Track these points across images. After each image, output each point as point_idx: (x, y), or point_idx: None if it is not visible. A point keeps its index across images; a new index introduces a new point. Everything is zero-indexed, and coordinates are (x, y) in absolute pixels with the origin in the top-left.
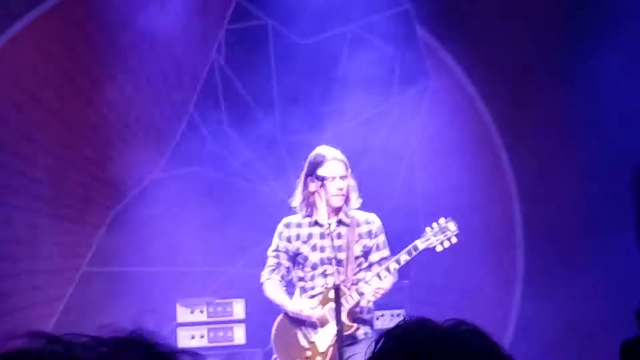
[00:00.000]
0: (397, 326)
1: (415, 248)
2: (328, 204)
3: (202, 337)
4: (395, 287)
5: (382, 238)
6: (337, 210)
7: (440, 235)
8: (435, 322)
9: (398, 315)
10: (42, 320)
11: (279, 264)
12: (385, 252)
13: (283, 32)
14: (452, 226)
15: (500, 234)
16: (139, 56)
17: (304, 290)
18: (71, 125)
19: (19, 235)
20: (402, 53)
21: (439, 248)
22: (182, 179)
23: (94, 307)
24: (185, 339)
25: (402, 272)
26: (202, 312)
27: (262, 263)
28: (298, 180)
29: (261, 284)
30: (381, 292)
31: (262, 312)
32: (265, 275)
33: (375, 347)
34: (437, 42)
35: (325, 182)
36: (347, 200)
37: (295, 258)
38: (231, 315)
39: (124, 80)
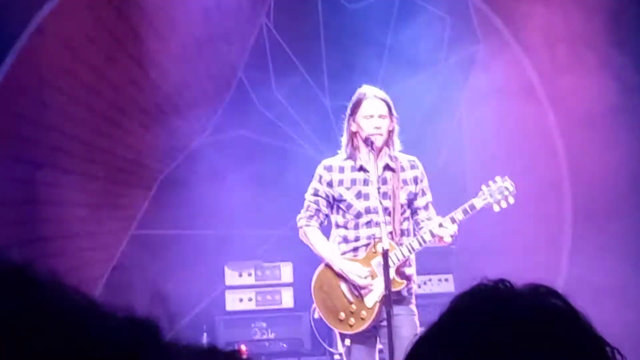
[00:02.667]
0: (476, 287)
1: (472, 207)
2: (367, 143)
3: (250, 300)
4: (442, 252)
5: (426, 182)
6: (378, 152)
7: (497, 194)
8: (514, 284)
9: (446, 280)
10: (91, 281)
11: (318, 210)
12: (430, 197)
13: None
14: (509, 185)
15: (548, 199)
16: (188, 21)
17: (346, 240)
18: (120, 89)
19: (69, 197)
20: (451, 16)
21: (496, 208)
22: (231, 142)
23: (142, 269)
24: (233, 302)
25: None
26: (250, 275)
27: None
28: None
29: (299, 228)
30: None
31: (309, 275)
32: (303, 220)
33: (451, 306)
34: (485, 4)
35: (362, 119)
36: (389, 143)
37: (337, 204)
38: (279, 278)
39: (174, 45)
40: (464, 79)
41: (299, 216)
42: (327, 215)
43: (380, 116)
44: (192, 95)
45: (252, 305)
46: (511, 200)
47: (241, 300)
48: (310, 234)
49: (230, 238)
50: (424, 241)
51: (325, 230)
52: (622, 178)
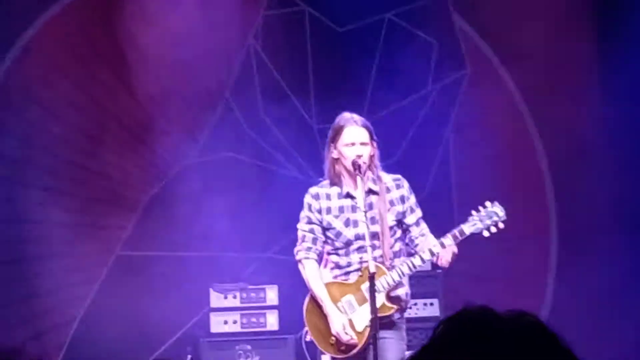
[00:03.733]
0: (460, 313)
1: (462, 232)
2: (348, 171)
3: (234, 322)
4: (428, 276)
5: (413, 199)
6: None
7: (487, 220)
8: (497, 312)
9: (431, 304)
10: (75, 301)
11: (315, 239)
12: (419, 212)
13: (320, 19)
14: (499, 211)
15: (533, 223)
16: (175, 41)
17: (338, 266)
18: (105, 108)
19: (52, 216)
20: (439, 41)
21: (485, 234)
22: (217, 164)
23: (126, 290)
24: (218, 324)
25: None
26: (235, 297)
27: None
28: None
29: (297, 260)
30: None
31: (295, 298)
32: (302, 253)
33: (434, 334)
34: (473, 30)
35: (344, 147)
36: (371, 167)
37: (325, 232)
38: (264, 301)
39: (160, 65)
40: (451, 104)
41: (296, 249)
42: (323, 243)
43: (361, 143)
44: (178, 115)
45: (237, 328)
46: (501, 225)
47: (226, 322)
48: (307, 269)
49: (215, 260)
50: (414, 266)
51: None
52: (608, 206)
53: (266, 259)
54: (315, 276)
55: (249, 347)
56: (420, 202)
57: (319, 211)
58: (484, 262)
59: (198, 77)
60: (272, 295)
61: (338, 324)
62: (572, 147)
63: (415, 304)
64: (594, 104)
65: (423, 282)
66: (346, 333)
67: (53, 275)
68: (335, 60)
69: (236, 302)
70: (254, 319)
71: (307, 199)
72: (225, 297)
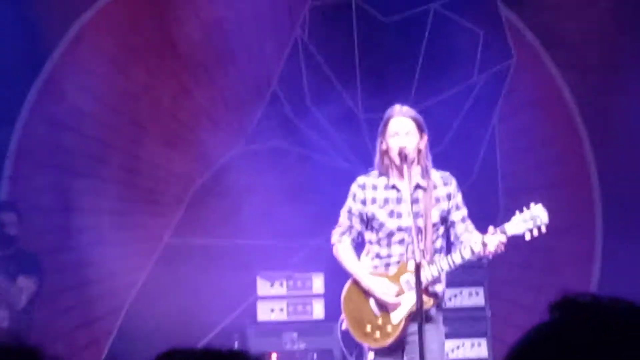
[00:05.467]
0: (563, 301)
1: (504, 232)
2: (394, 162)
3: (281, 310)
4: (473, 266)
5: (459, 197)
6: (409, 169)
7: (530, 222)
8: (596, 296)
9: (477, 293)
10: (124, 290)
11: (350, 227)
12: (465, 211)
13: (366, 9)
14: (542, 214)
15: (579, 212)
16: (223, 31)
17: (378, 256)
18: (158, 98)
19: (104, 205)
20: (485, 31)
21: (527, 236)
22: (264, 153)
23: (174, 278)
24: (264, 312)
25: None
26: (281, 285)
27: None
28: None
29: (332, 244)
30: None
31: (341, 286)
32: (335, 236)
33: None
34: (519, 19)
35: (390, 138)
36: (420, 161)
37: (370, 222)
38: (310, 289)
39: (209, 55)
40: (496, 93)
41: (333, 232)
42: (360, 232)
43: (406, 134)
44: (227, 105)
45: (283, 316)
46: (543, 229)
47: (272, 310)
48: (341, 250)
49: (262, 248)
50: (454, 263)
51: (359, 246)
52: None
53: (313, 247)
54: (349, 254)
55: (295, 335)
56: (466, 192)
57: (363, 202)
58: (529, 251)
59: (246, 67)
60: (318, 283)
61: (380, 285)
62: (618, 134)
63: (461, 293)
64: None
65: (469, 271)
66: (390, 289)
67: (103, 263)
68: (381, 50)
69: (283, 290)
70: (300, 307)
71: (354, 187)
72: (272, 285)
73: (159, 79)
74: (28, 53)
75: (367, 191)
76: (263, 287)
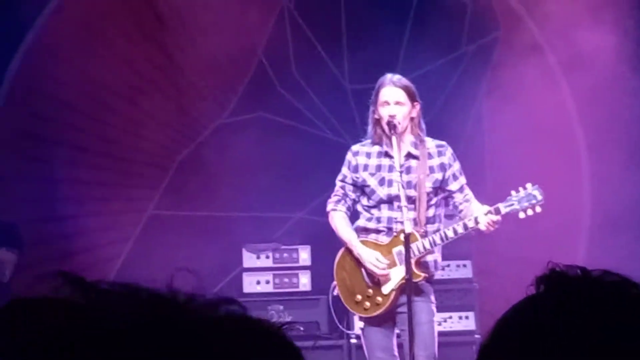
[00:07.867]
0: (552, 273)
1: (497, 211)
2: (389, 127)
3: (267, 282)
4: (461, 238)
5: (457, 166)
6: (399, 139)
7: (525, 202)
8: (585, 269)
9: (464, 265)
10: (108, 261)
11: (344, 195)
12: (463, 179)
13: None
14: (538, 194)
15: (567, 186)
16: (208, 2)
17: (369, 220)
18: (141, 69)
19: (86, 176)
20: (472, 1)
21: (521, 215)
22: (250, 124)
23: (159, 250)
24: (250, 284)
25: None
26: (267, 257)
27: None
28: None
29: (327, 212)
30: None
31: (327, 258)
32: (331, 204)
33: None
34: None
35: (380, 107)
36: (412, 130)
37: (362, 188)
38: (297, 261)
39: (192, 25)
40: (484, 66)
41: (328, 200)
42: (354, 201)
43: (396, 103)
44: (212, 76)
45: (269, 288)
46: (538, 209)
47: (258, 282)
48: (336, 218)
49: (248, 220)
50: (447, 238)
51: (354, 214)
52: None
53: (299, 219)
54: (343, 223)
55: (281, 307)
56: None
57: (355, 168)
58: (517, 223)
59: (231, 38)
60: (304, 255)
61: (370, 257)
62: (606, 111)
63: (449, 266)
64: (628, 76)
65: (456, 243)
66: (380, 262)
67: (88, 233)
68: (368, 20)
69: (269, 262)
70: (286, 279)
71: (348, 156)
72: (258, 257)
73: (141, 49)
74: (10, 23)
75: (359, 157)
76: (249, 259)
